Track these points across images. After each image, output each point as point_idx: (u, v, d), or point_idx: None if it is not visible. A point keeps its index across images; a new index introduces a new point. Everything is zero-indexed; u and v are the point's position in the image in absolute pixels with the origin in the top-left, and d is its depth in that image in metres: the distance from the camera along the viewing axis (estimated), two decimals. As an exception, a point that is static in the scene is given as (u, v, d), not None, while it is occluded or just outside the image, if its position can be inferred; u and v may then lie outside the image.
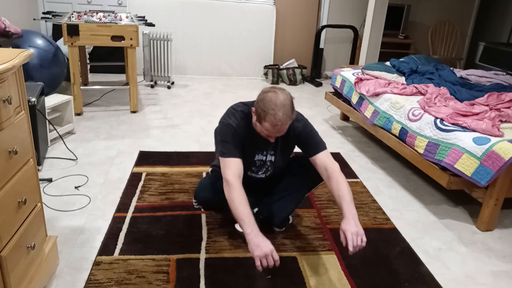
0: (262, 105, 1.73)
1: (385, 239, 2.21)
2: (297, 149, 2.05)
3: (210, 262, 1.94)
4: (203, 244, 2.06)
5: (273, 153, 2.02)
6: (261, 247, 1.55)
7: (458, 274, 2.00)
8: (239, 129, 1.85)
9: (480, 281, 1.96)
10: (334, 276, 1.90)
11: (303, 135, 1.93)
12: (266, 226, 2.14)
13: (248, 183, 2.16)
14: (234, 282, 1.82)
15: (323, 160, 1.88)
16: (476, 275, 2.00)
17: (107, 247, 1.99)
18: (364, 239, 1.63)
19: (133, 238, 2.07)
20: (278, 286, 1.81)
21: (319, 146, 1.92)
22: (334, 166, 1.85)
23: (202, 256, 1.98)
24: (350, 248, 1.60)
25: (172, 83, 5.11)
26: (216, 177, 2.02)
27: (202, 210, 2.30)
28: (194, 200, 2.12)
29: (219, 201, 1.89)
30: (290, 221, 2.27)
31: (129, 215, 2.27)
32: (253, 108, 1.80)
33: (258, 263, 1.54)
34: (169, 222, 2.22)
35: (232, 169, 1.75)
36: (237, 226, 2.08)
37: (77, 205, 2.35)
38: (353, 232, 1.62)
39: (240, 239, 2.10)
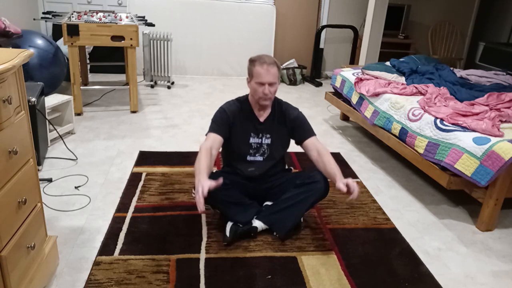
0: (250, 61, 2.06)
1: (385, 239, 2.21)
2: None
3: (210, 262, 1.94)
4: (203, 244, 2.06)
5: (269, 136, 2.20)
6: (197, 185, 1.78)
7: (458, 274, 2.00)
8: (228, 111, 2.14)
9: (480, 281, 1.96)
10: (334, 276, 1.90)
11: (297, 121, 2.20)
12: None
13: (250, 186, 2.18)
14: (234, 282, 1.82)
15: (314, 143, 2.17)
16: (476, 275, 2.00)
17: (107, 247, 1.99)
18: (358, 189, 1.91)
19: (133, 238, 2.07)
20: (278, 286, 1.81)
21: (311, 132, 2.20)
22: (324, 149, 2.13)
23: (202, 256, 1.98)
24: (355, 194, 1.86)
25: (172, 83, 5.11)
26: (218, 173, 2.17)
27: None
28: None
29: (215, 193, 1.97)
30: (302, 228, 2.27)
31: (129, 215, 2.27)
32: (247, 77, 2.10)
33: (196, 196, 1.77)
34: (169, 222, 2.22)
35: (208, 141, 2.05)
36: (227, 227, 2.10)
37: (77, 205, 2.35)
38: (354, 183, 1.89)
39: (240, 240, 2.10)
